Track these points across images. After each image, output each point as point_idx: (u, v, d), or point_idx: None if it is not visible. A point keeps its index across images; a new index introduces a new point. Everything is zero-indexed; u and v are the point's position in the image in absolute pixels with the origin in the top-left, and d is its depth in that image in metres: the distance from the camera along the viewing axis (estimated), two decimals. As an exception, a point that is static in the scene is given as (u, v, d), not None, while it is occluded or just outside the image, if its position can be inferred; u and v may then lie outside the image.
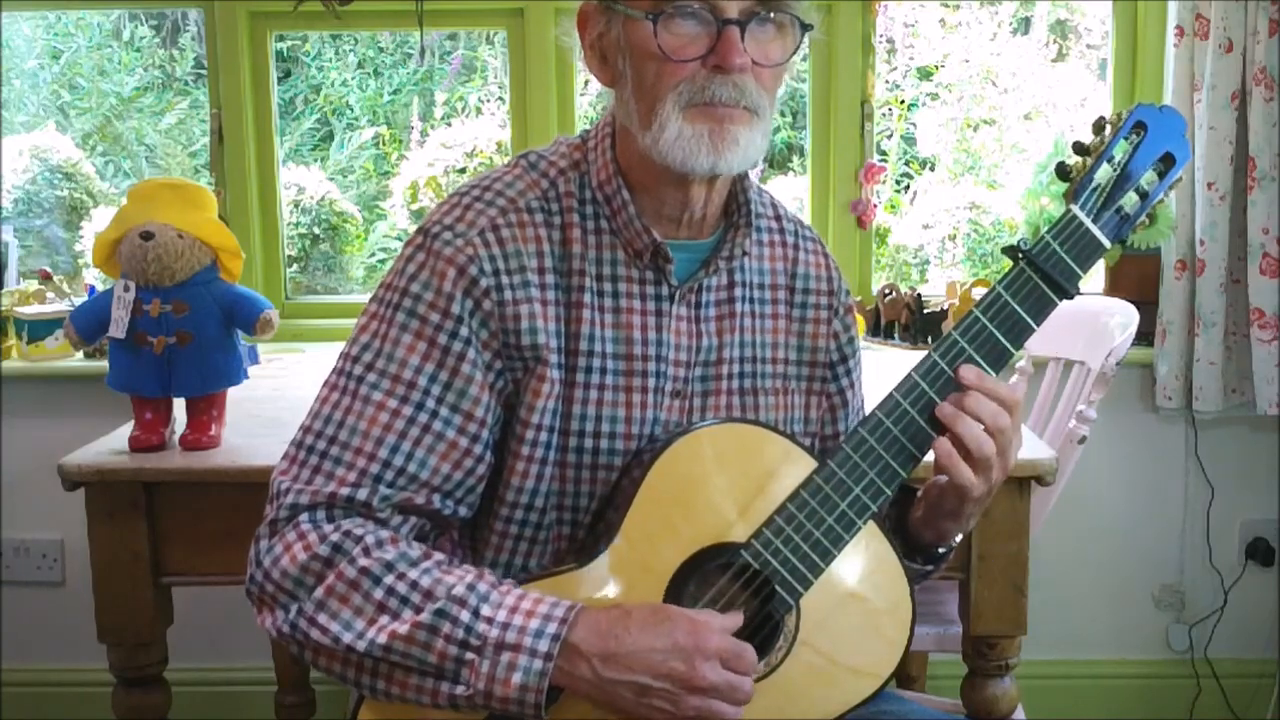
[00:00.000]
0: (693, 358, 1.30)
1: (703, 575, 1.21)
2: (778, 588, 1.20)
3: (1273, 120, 2.53)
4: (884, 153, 3.29)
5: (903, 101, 3.47)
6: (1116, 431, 2.73)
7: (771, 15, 1.18)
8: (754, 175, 1.35)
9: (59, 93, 3.56)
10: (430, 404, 1.20)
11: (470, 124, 3.37)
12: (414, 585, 1.12)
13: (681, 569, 1.20)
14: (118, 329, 1.81)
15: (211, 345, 1.84)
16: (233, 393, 1.92)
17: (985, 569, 1.81)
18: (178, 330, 1.82)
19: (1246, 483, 2.77)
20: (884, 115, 3.34)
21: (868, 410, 1.25)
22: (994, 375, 1.23)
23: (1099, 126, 1.30)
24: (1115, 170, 1.26)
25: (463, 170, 3.16)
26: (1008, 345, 1.24)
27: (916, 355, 1.25)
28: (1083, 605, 2.82)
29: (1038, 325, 1.25)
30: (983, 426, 1.20)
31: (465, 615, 1.10)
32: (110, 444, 1.88)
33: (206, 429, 1.86)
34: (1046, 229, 1.25)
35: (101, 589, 1.80)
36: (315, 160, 3.60)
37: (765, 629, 1.22)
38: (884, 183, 3.07)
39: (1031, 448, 1.80)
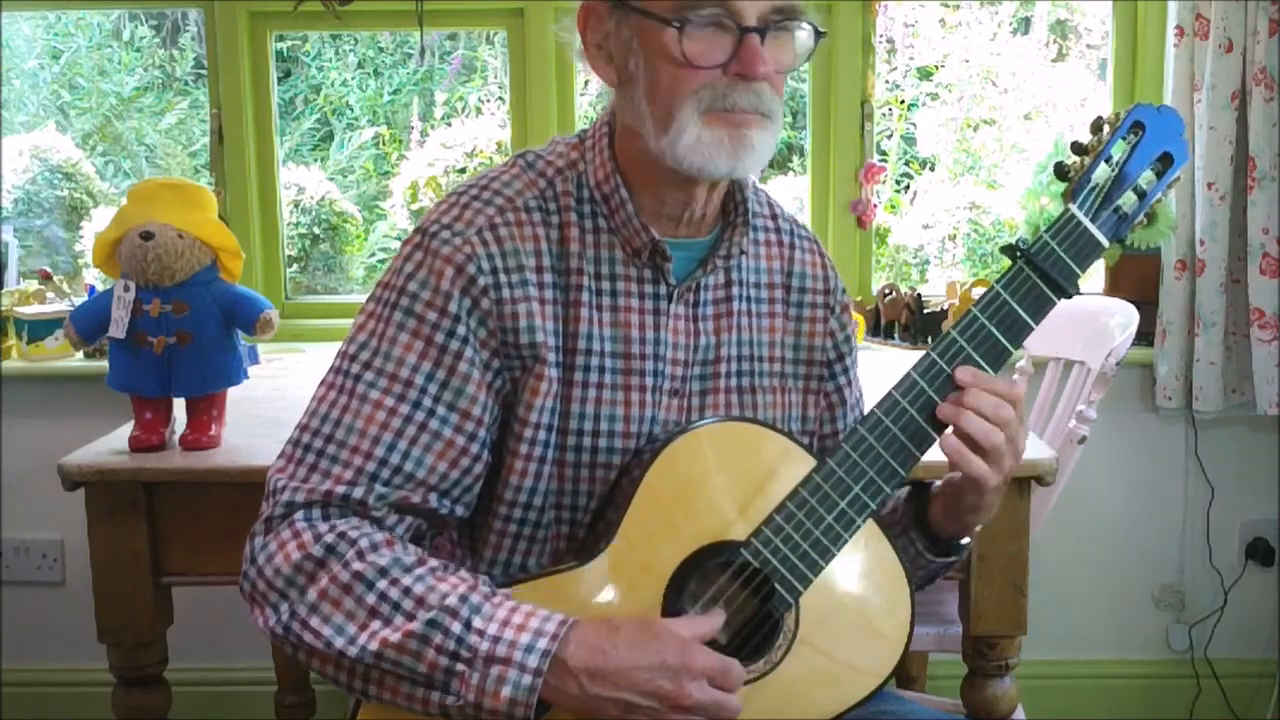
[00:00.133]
0: (691, 356, 1.30)
1: (702, 574, 1.21)
2: (777, 586, 1.21)
3: (1273, 120, 2.53)
4: (884, 153, 3.30)
5: (903, 101, 3.47)
6: (1116, 431, 2.73)
7: (788, 22, 1.19)
8: (753, 175, 1.35)
9: (59, 93, 3.56)
10: (427, 402, 1.20)
11: (470, 124, 3.37)
12: (407, 592, 1.12)
13: (681, 568, 1.20)
14: (118, 329, 1.81)
15: (211, 345, 1.84)
16: (233, 393, 1.92)
17: (985, 569, 1.81)
18: (178, 330, 1.82)
19: (1246, 483, 2.77)
20: (884, 115, 3.34)
21: (867, 408, 1.25)
22: (992, 374, 1.24)
23: (1097, 126, 1.30)
24: (1113, 170, 1.26)
25: (463, 170, 3.16)
26: (1007, 344, 1.24)
27: (916, 355, 1.25)
28: (1083, 605, 2.82)
29: (1037, 324, 1.25)
30: (986, 419, 1.20)
31: (457, 627, 1.10)
32: (110, 444, 1.89)
33: (206, 429, 1.86)
34: (1045, 228, 1.25)
35: (101, 589, 1.81)
36: (315, 160, 3.60)
37: (765, 627, 1.22)
38: (884, 183, 3.07)
39: (1031, 448, 1.79)
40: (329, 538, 1.15)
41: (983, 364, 1.23)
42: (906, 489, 1.35)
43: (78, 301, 2.58)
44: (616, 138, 1.28)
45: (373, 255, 3.38)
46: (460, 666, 1.09)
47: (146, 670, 1.86)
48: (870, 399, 1.29)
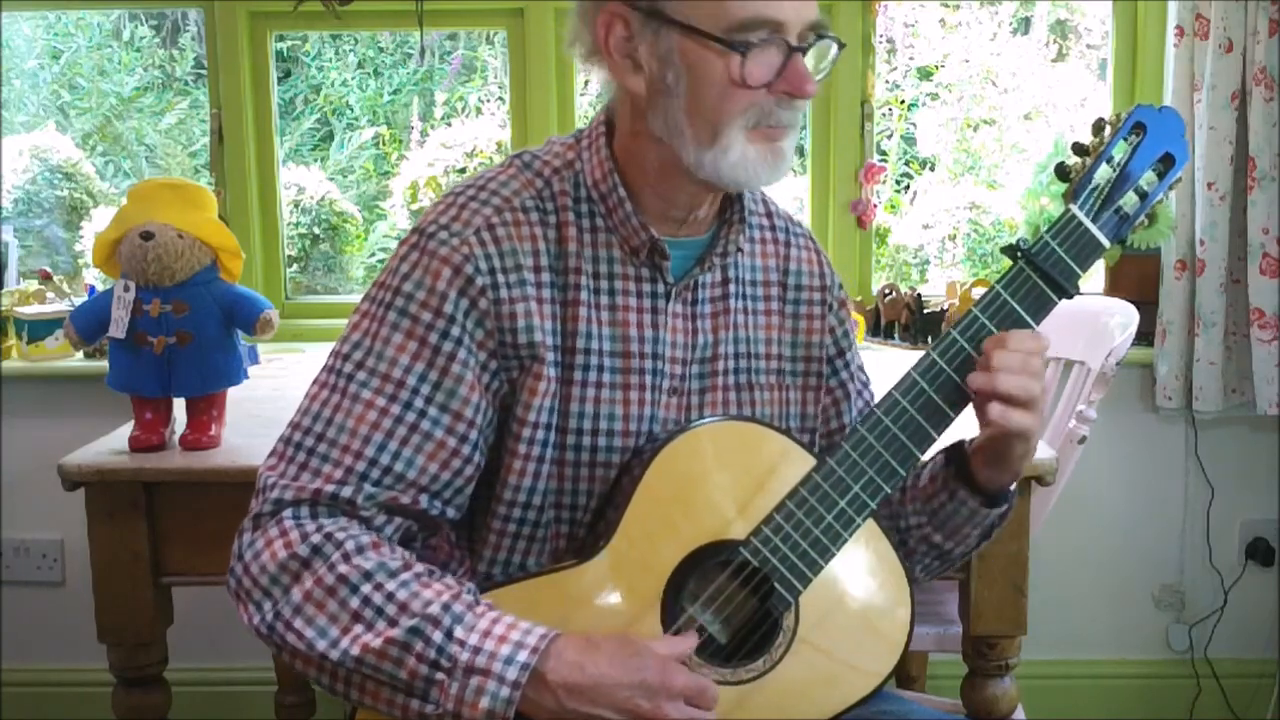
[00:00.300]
0: (689, 355, 1.30)
1: (702, 573, 1.21)
2: (776, 585, 1.21)
3: (1273, 120, 2.53)
4: (884, 153, 3.30)
5: (903, 101, 3.47)
6: (1116, 431, 2.73)
7: (822, 41, 1.20)
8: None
9: (59, 93, 3.56)
10: (419, 403, 1.20)
11: (470, 124, 3.37)
12: (390, 597, 1.12)
13: (680, 567, 1.20)
14: (118, 329, 1.81)
15: (211, 345, 1.85)
16: (233, 393, 1.92)
17: (985, 569, 1.81)
18: (178, 330, 1.82)
19: (1246, 483, 2.77)
20: (884, 115, 3.34)
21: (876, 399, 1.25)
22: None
23: (1098, 127, 1.30)
24: (1114, 170, 1.26)
25: (463, 170, 3.16)
26: (1006, 344, 1.24)
27: (916, 355, 1.25)
28: (1083, 605, 2.82)
29: (1037, 324, 1.25)
30: (1018, 375, 1.20)
31: (438, 635, 1.10)
32: (110, 444, 1.89)
33: (206, 429, 1.86)
34: (1046, 228, 1.26)
35: (101, 589, 1.81)
36: (315, 160, 3.60)
37: (764, 626, 1.22)
38: (884, 183, 3.07)
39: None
40: (315, 538, 1.15)
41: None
42: (940, 454, 1.33)
43: (78, 301, 2.58)
44: (616, 138, 1.28)
45: (373, 255, 3.38)
46: (440, 675, 1.09)
47: (146, 670, 1.86)
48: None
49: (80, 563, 2.14)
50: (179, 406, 1.89)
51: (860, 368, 1.46)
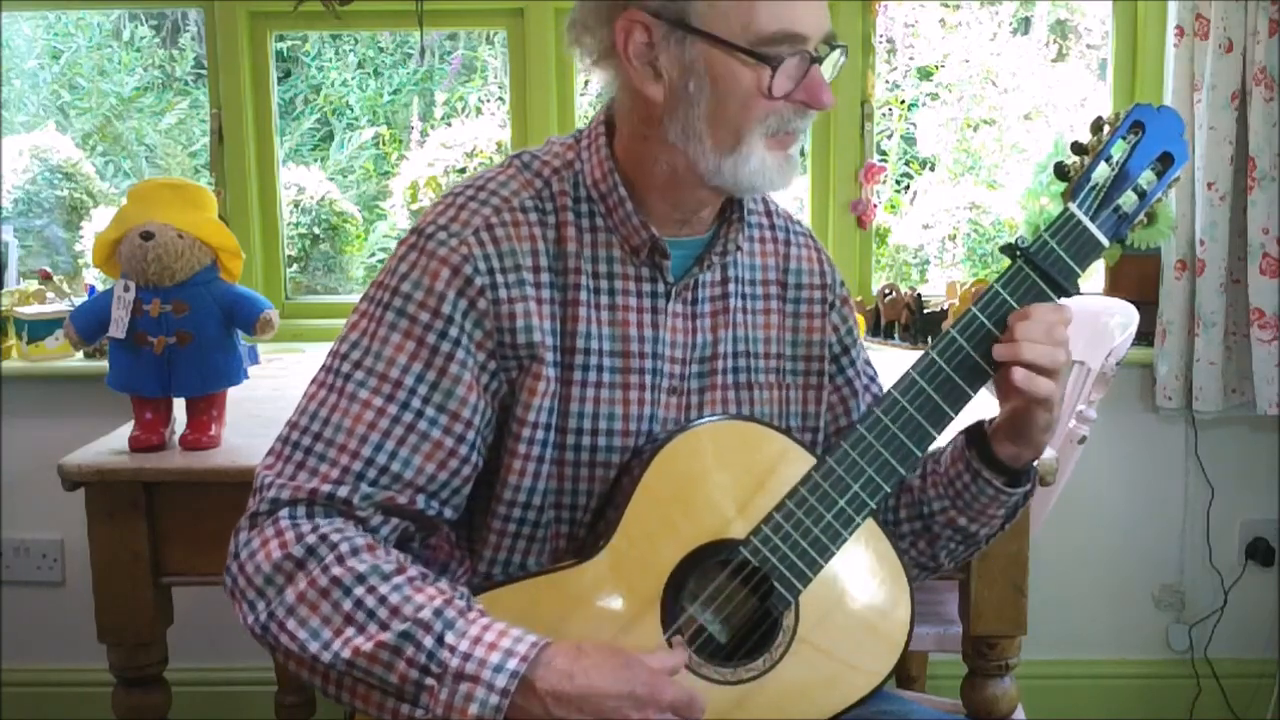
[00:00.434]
0: (689, 354, 1.30)
1: (702, 572, 1.22)
2: (776, 584, 1.21)
3: (1273, 120, 2.53)
4: (884, 153, 3.30)
5: (903, 101, 3.47)
6: (1116, 431, 2.73)
7: (834, 51, 1.22)
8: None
9: (59, 93, 3.56)
10: (416, 403, 1.20)
11: (470, 124, 3.37)
12: (383, 600, 1.12)
13: (680, 566, 1.20)
14: (118, 329, 1.81)
15: (211, 345, 1.85)
16: (233, 393, 1.92)
17: (985, 569, 1.81)
18: (178, 330, 1.82)
19: (1246, 483, 2.77)
20: (884, 115, 3.34)
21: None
22: (993, 373, 1.24)
23: (1097, 126, 1.30)
24: (1113, 170, 1.26)
25: (462, 170, 3.16)
26: (1006, 344, 1.24)
27: (916, 355, 1.25)
28: (1083, 605, 2.82)
29: (1036, 324, 1.25)
30: (1042, 344, 1.20)
31: (429, 641, 1.10)
32: (110, 444, 1.89)
33: (206, 429, 1.86)
34: (1045, 228, 1.26)
35: (101, 589, 1.81)
36: (315, 160, 3.60)
37: (764, 626, 1.22)
38: (884, 183, 3.07)
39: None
40: (310, 539, 1.15)
41: (982, 362, 1.23)
42: (961, 436, 1.33)
43: (78, 301, 2.58)
44: (618, 138, 1.28)
45: (373, 255, 3.38)
46: (430, 681, 1.09)
47: (146, 670, 1.86)
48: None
49: (80, 563, 2.14)
50: (179, 406, 1.89)
51: (867, 362, 1.46)
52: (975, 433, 1.32)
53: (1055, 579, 2.75)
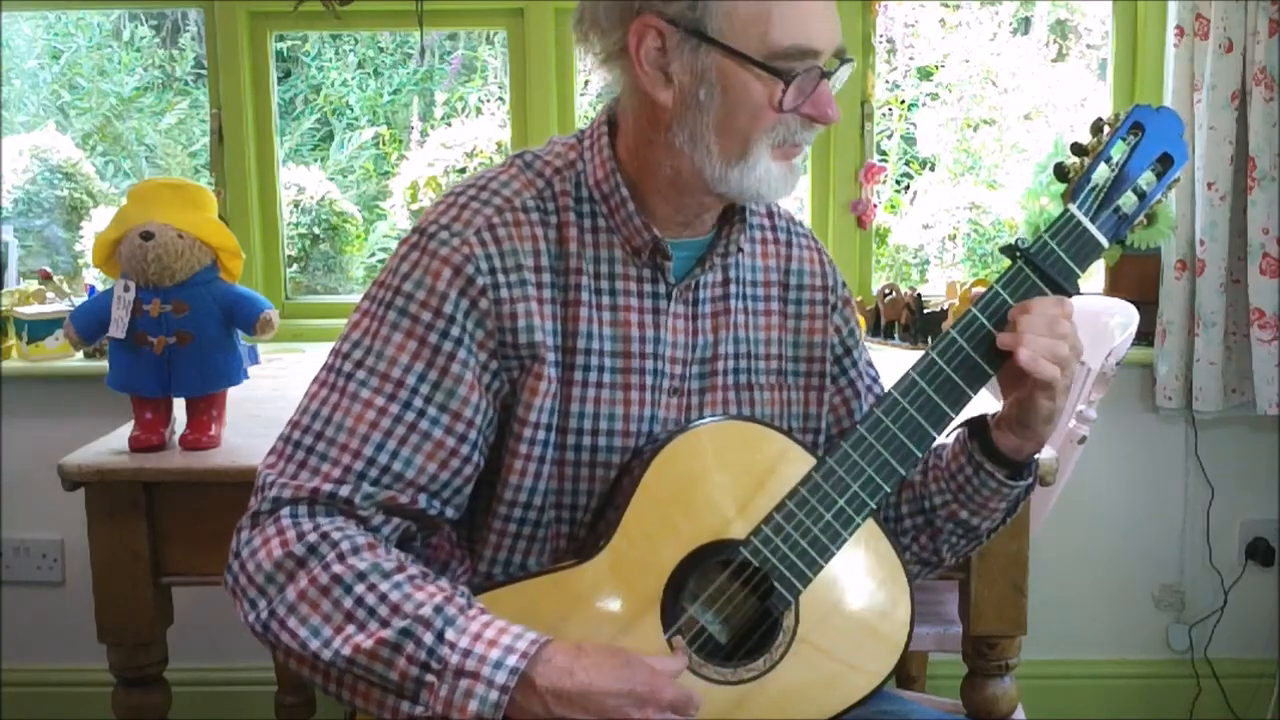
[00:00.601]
0: (690, 355, 1.30)
1: (702, 572, 1.22)
2: (776, 585, 1.21)
3: (1273, 120, 2.53)
4: (884, 153, 3.30)
5: (903, 101, 3.47)
6: (1116, 431, 2.73)
7: (844, 65, 1.22)
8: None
9: (59, 93, 3.56)
10: (418, 403, 1.20)
11: (470, 124, 3.37)
12: (383, 598, 1.12)
13: (681, 566, 1.20)
14: (118, 329, 1.82)
15: (211, 345, 1.85)
16: (233, 393, 1.92)
17: (985, 569, 1.81)
18: (178, 330, 1.82)
19: (1246, 483, 2.77)
20: (884, 115, 3.34)
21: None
22: (993, 373, 1.24)
23: (1097, 127, 1.30)
24: (1113, 170, 1.26)
25: (463, 170, 3.16)
26: (1006, 344, 1.24)
27: (917, 355, 1.25)
28: (1083, 605, 2.82)
29: (1036, 324, 1.25)
30: (1044, 337, 1.20)
31: (429, 637, 1.10)
32: (110, 444, 1.89)
33: (206, 429, 1.86)
34: (1045, 228, 1.26)
35: (101, 589, 1.81)
36: (315, 160, 3.60)
37: (764, 626, 1.22)
38: (884, 183, 3.07)
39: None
40: (311, 537, 1.15)
41: (982, 363, 1.24)
42: (963, 429, 1.33)
43: (78, 301, 2.58)
44: (620, 140, 1.28)
45: (373, 255, 3.38)
46: (430, 678, 1.10)
47: (146, 670, 1.86)
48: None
49: (80, 563, 2.14)
50: (179, 406, 1.90)
51: (869, 363, 1.46)
52: (977, 426, 1.32)
53: (1055, 579, 2.75)
